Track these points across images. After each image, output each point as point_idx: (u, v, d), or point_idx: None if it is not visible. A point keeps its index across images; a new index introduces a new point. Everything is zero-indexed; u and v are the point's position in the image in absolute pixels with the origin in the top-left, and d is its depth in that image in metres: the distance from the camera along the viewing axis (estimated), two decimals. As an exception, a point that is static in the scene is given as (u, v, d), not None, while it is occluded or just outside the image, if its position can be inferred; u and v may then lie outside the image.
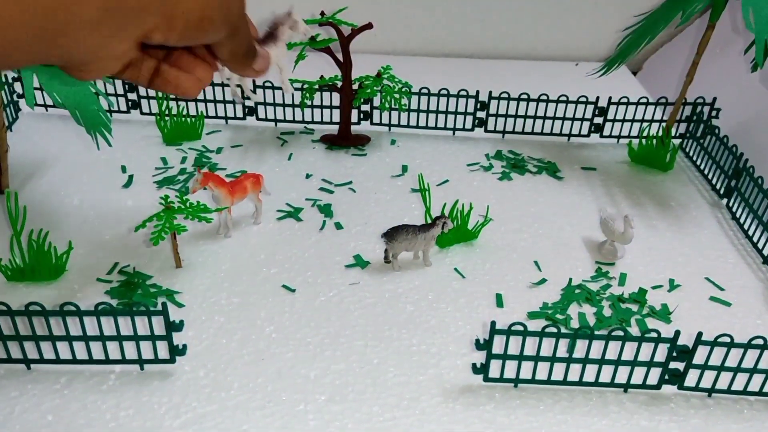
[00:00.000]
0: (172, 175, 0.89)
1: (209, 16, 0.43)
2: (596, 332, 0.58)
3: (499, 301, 0.70)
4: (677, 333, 0.57)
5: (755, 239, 0.81)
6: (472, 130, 1.03)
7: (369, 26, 0.90)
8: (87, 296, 0.69)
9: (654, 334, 0.57)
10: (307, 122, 1.03)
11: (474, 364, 0.61)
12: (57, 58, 0.42)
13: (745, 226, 0.83)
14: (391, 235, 0.72)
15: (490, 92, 1.00)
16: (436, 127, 1.03)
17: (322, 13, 0.90)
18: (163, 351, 0.60)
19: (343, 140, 0.99)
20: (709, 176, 0.94)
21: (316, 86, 0.95)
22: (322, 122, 1.03)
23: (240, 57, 0.51)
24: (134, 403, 0.57)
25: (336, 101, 0.99)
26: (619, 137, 1.03)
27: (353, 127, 1.01)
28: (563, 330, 0.58)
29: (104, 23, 0.41)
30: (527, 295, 0.72)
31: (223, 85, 0.95)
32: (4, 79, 0.88)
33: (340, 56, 0.92)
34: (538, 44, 1.36)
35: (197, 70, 0.51)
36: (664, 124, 0.98)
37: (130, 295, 0.68)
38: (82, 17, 0.39)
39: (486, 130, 1.03)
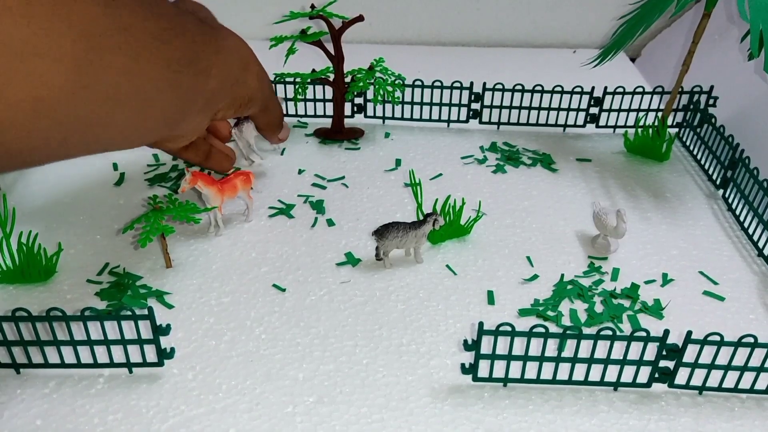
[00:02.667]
0: (163, 172, 0.89)
1: (253, 97, 0.67)
2: (585, 331, 0.58)
3: (491, 299, 0.70)
4: (666, 332, 0.57)
5: (750, 231, 0.80)
6: (466, 122, 1.02)
7: (360, 19, 0.89)
8: (77, 298, 0.68)
9: (643, 333, 0.57)
10: (301, 116, 1.02)
11: (463, 364, 0.61)
12: (168, 137, 0.64)
13: (741, 218, 0.82)
14: (382, 233, 0.72)
15: (485, 83, 0.99)
16: (430, 119, 1.02)
17: (312, 6, 0.89)
18: (151, 354, 0.60)
19: (337, 134, 0.99)
20: (706, 166, 0.93)
21: (308, 80, 0.94)
22: (315, 116, 1.02)
23: (272, 126, 0.78)
24: (122, 407, 0.57)
25: (329, 94, 0.99)
26: (615, 127, 1.02)
27: (347, 120, 1.00)
28: (551, 330, 0.57)
29: (206, 110, 0.62)
30: (519, 291, 0.71)
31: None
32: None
33: (331, 49, 0.91)
34: (534, 32, 1.35)
35: (229, 152, 0.78)
36: (660, 113, 0.97)
37: (119, 296, 0.68)
38: (198, 107, 0.60)
39: (481, 122, 1.02)
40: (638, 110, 1.00)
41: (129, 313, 0.57)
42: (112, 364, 0.60)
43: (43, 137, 0.45)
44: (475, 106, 1.01)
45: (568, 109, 1.00)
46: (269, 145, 0.95)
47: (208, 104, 0.61)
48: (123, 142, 0.54)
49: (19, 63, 0.40)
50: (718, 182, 0.89)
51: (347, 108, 0.99)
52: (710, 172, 0.92)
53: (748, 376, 0.59)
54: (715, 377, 0.60)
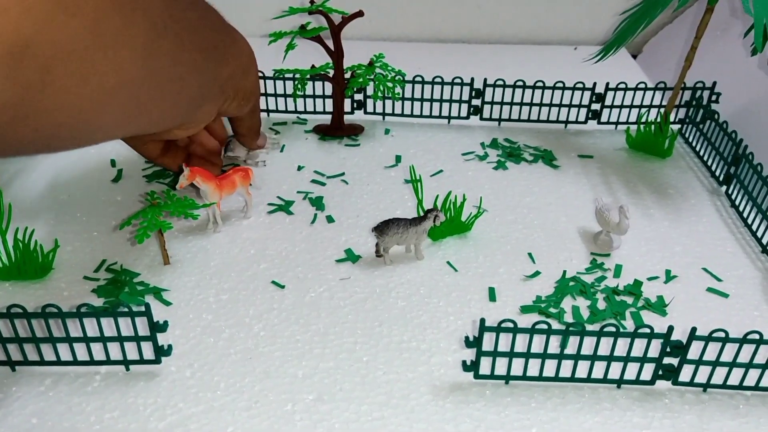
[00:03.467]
0: (161, 169, 0.88)
1: (254, 92, 0.72)
2: (588, 327, 0.57)
3: (492, 295, 0.69)
4: (670, 329, 0.56)
5: (754, 228, 0.79)
6: (467, 118, 1.01)
7: (360, 14, 0.88)
8: (74, 295, 0.68)
9: (647, 330, 0.56)
10: (300, 112, 1.02)
11: (464, 362, 0.60)
12: (183, 123, 0.65)
13: (745, 214, 0.82)
14: (382, 229, 0.71)
15: (485, 79, 0.98)
16: (430, 116, 1.02)
17: (312, 1, 0.88)
18: (148, 351, 0.59)
19: (337, 130, 0.98)
20: (709, 163, 0.92)
21: (308, 76, 0.94)
22: (315, 112, 1.02)
23: (253, 132, 0.82)
24: (119, 405, 0.57)
25: (328, 90, 0.98)
26: (617, 123, 1.01)
27: (347, 117, 0.99)
28: (554, 326, 0.57)
29: (219, 95, 0.65)
30: (520, 288, 0.71)
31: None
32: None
33: (331, 45, 0.91)
34: (534, 28, 1.34)
35: (216, 160, 0.83)
36: (662, 109, 0.96)
37: (117, 293, 0.67)
38: (213, 93, 0.63)
39: (481, 118, 1.01)
40: (640, 106, 0.99)
41: (126, 309, 0.56)
42: (108, 362, 0.59)
43: (105, 120, 0.47)
44: (476, 102, 1.00)
45: (570, 106, 1.00)
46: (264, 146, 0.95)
47: (221, 91, 0.65)
48: (160, 122, 0.58)
49: (108, 52, 0.42)
50: (721, 179, 0.89)
51: (347, 104, 0.99)
52: (713, 168, 0.91)
53: (753, 373, 0.58)
54: (719, 374, 0.59)
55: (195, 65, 0.56)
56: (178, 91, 0.55)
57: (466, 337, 0.58)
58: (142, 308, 0.56)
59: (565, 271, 0.72)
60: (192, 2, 0.55)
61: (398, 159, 0.92)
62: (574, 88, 0.97)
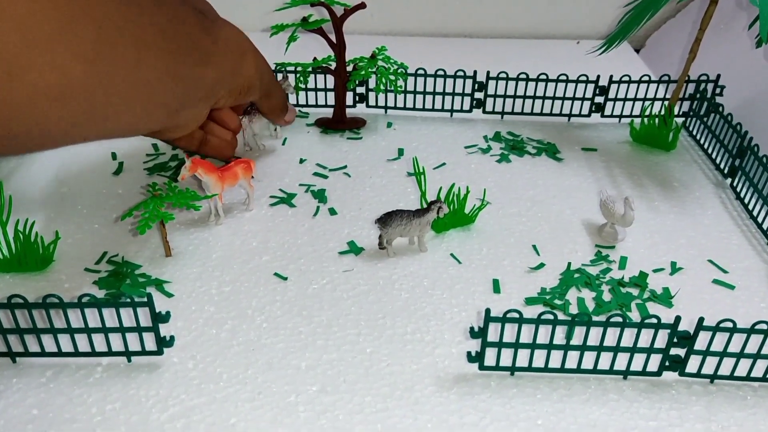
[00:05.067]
0: (163, 161, 0.88)
1: (252, 85, 0.69)
2: (594, 318, 0.56)
3: (496, 287, 0.69)
4: (678, 319, 0.55)
5: (760, 220, 0.79)
6: (470, 111, 1.01)
7: (362, 6, 0.87)
8: (75, 287, 0.67)
9: (654, 320, 0.55)
10: (302, 105, 1.01)
11: (469, 353, 0.60)
12: (168, 126, 0.64)
13: (750, 207, 0.81)
14: (385, 220, 0.70)
15: (488, 72, 0.97)
16: (433, 109, 1.01)
17: (314, -7, 0.88)
18: (150, 342, 0.59)
19: (338, 124, 0.97)
20: (713, 155, 0.92)
21: (309, 69, 0.93)
22: (316, 105, 1.01)
23: (276, 111, 0.82)
24: (121, 396, 0.56)
25: (330, 84, 0.97)
26: (620, 117, 1.00)
27: (349, 110, 0.99)
28: (560, 317, 0.56)
29: (206, 99, 0.64)
30: (525, 280, 0.70)
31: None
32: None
33: (333, 37, 0.90)
34: (537, 22, 1.33)
35: (231, 138, 0.80)
36: (666, 102, 0.95)
37: (118, 285, 0.67)
38: (198, 96, 0.62)
39: (484, 112, 1.01)
40: (644, 99, 0.99)
41: (128, 300, 0.56)
42: (110, 353, 0.59)
43: (57, 122, 0.47)
44: (479, 95, 1.00)
45: (573, 99, 0.99)
46: (269, 132, 0.94)
47: (208, 94, 0.64)
48: (128, 129, 0.58)
49: (42, 52, 0.42)
50: (726, 171, 0.88)
51: (349, 98, 0.98)
52: (718, 161, 0.91)
53: (761, 364, 0.58)
54: (726, 366, 0.58)
55: (167, 70, 0.54)
56: (147, 97, 0.53)
57: (471, 328, 0.58)
58: (144, 299, 0.55)
59: (569, 263, 0.72)
60: (158, 3, 0.53)
61: (401, 152, 0.92)
62: (577, 81, 0.97)
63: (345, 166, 0.88)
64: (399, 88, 0.93)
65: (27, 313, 0.56)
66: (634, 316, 0.65)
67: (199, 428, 0.54)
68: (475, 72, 0.97)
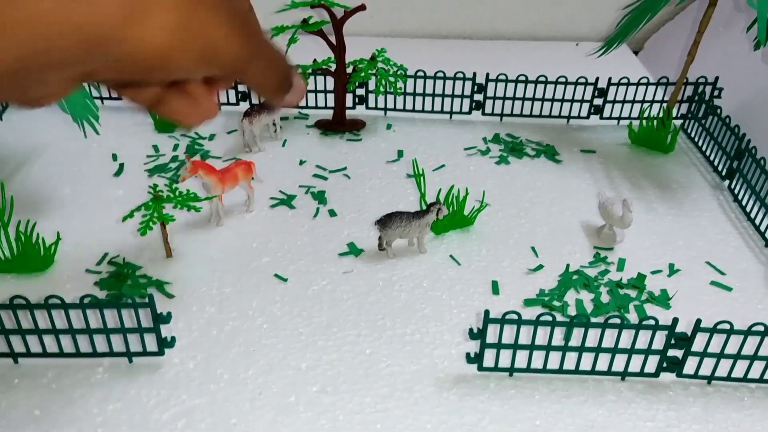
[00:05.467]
0: (163, 162, 0.88)
1: (168, 57, 0.37)
2: (593, 320, 0.57)
3: (495, 289, 0.69)
4: (675, 321, 0.56)
5: (757, 222, 0.79)
6: (469, 113, 1.01)
7: (362, 8, 0.88)
8: (76, 288, 0.67)
9: (652, 322, 0.56)
10: (302, 107, 1.01)
11: (468, 354, 0.60)
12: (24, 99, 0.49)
13: (748, 209, 0.81)
14: (385, 222, 0.71)
15: (488, 74, 0.98)
16: (432, 111, 1.01)
17: (314, -4, 0.88)
18: (151, 343, 0.59)
19: (338, 125, 0.98)
20: (711, 158, 0.92)
21: (309, 70, 0.93)
22: (316, 107, 1.01)
23: (269, 90, 0.53)
24: (122, 397, 0.56)
25: (330, 86, 0.98)
26: (619, 119, 1.01)
27: (348, 112, 0.99)
28: (559, 318, 0.56)
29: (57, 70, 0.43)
30: (524, 281, 0.70)
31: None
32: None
33: (333, 39, 0.90)
34: (536, 24, 1.34)
35: (205, 101, 0.48)
36: (665, 104, 0.96)
37: (119, 286, 0.67)
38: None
39: (483, 113, 1.01)
40: (642, 101, 0.99)
41: (129, 301, 0.56)
42: (111, 354, 0.59)
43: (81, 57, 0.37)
44: (478, 97, 1.00)
45: (572, 101, 0.99)
46: (269, 134, 0.94)
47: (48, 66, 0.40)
48: None
49: None
50: (723, 173, 0.88)
51: (349, 99, 0.98)
52: (716, 163, 0.91)
53: (758, 366, 0.58)
54: (724, 367, 0.59)
55: None
56: None
57: (470, 329, 0.58)
58: (146, 300, 0.56)
59: (568, 265, 0.72)
60: None
61: (400, 154, 0.92)
62: (576, 83, 0.97)
63: (345, 168, 0.88)
64: (398, 90, 0.94)
65: (29, 313, 0.56)
66: (632, 317, 0.66)
67: (200, 428, 0.54)
68: (474, 74, 0.98)
